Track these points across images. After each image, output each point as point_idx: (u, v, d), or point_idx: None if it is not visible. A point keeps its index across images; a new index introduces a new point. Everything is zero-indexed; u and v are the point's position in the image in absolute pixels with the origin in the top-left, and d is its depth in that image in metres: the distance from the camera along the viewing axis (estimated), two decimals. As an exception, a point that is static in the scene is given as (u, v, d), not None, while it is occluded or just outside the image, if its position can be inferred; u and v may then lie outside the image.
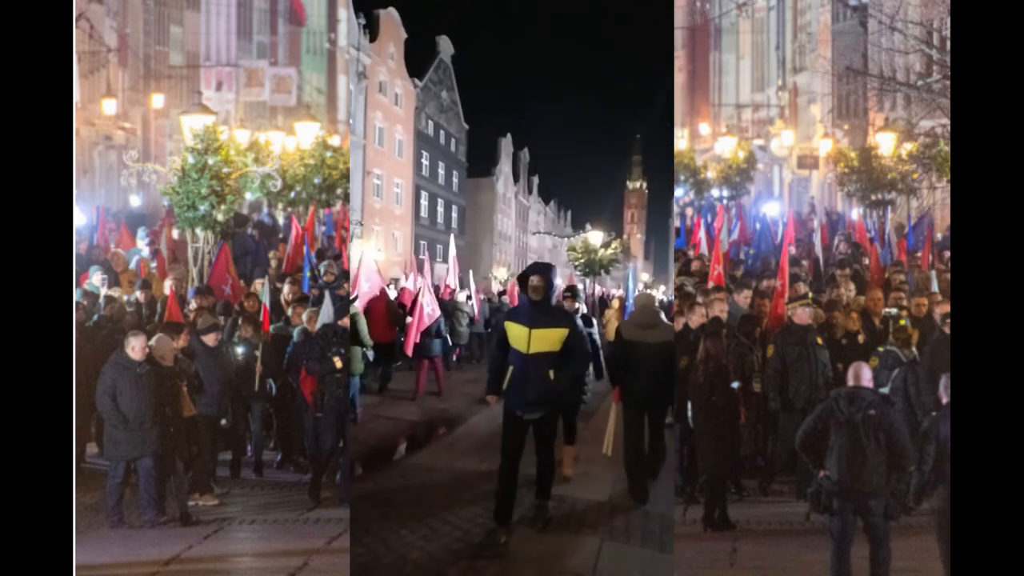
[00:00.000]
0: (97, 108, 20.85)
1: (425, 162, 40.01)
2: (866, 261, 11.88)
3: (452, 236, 19.26)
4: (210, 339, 8.24)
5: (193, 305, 9.39)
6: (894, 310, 8.58)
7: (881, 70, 19.13)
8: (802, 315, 7.97)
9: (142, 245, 12.46)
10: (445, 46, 41.56)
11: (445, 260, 18.43)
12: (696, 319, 8.20)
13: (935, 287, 9.68)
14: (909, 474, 5.60)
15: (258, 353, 8.71)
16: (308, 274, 11.00)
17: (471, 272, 17.83)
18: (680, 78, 29.86)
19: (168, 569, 6.33)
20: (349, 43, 31.51)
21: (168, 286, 9.87)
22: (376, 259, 13.03)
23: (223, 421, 8.43)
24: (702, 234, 13.82)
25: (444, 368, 13.42)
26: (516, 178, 54.29)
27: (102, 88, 21.05)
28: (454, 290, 15.86)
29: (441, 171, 43.03)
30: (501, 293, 19.12)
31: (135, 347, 7.38)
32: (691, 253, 13.49)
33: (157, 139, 24.23)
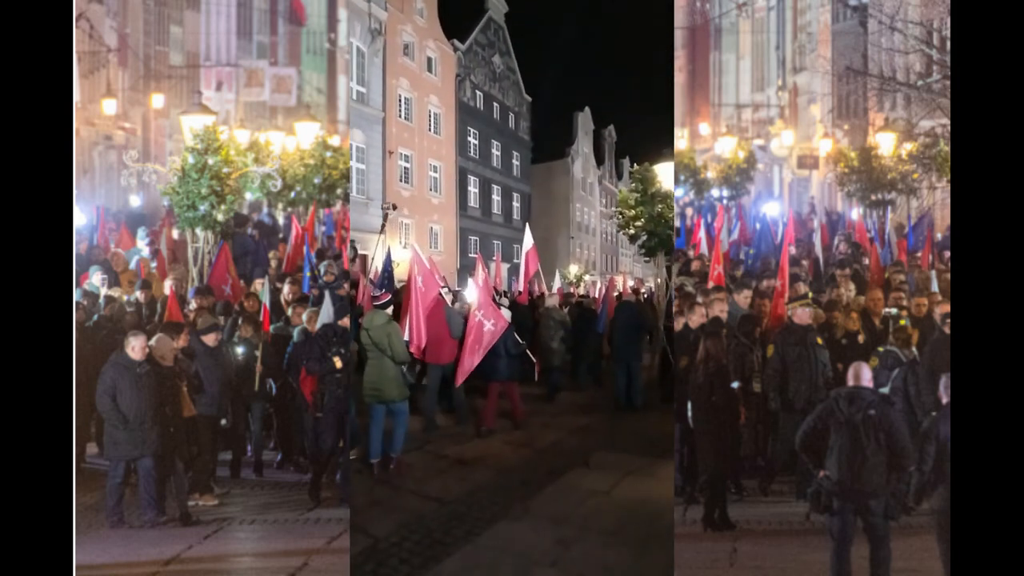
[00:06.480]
0: (97, 108, 20.84)
1: (473, 140, 32.08)
2: (866, 261, 11.88)
3: (527, 226, 15.67)
4: (210, 339, 8.24)
5: (193, 305, 9.41)
6: (894, 310, 8.58)
7: (881, 70, 19.11)
8: (802, 315, 7.97)
9: (142, 245, 12.47)
10: (496, 3, 33.72)
11: (513, 258, 14.29)
12: (696, 319, 8.23)
13: (935, 287, 9.68)
14: (909, 474, 5.60)
15: (258, 353, 8.72)
16: (308, 274, 11.02)
17: (557, 273, 14.22)
18: (680, 78, 29.80)
19: (168, 569, 6.33)
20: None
21: (168, 286, 9.87)
22: (410, 255, 9.99)
23: (223, 421, 8.44)
24: (702, 234, 13.81)
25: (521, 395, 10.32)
26: (600, 160, 45.19)
27: (102, 88, 21.03)
28: (541, 294, 12.89)
29: (496, 151, 34.32)
30: (583, 296, 15.19)
31: (135, 347, 7.38)
32: (691, 253, 13.49)
33: (157, 139, 24.23)
